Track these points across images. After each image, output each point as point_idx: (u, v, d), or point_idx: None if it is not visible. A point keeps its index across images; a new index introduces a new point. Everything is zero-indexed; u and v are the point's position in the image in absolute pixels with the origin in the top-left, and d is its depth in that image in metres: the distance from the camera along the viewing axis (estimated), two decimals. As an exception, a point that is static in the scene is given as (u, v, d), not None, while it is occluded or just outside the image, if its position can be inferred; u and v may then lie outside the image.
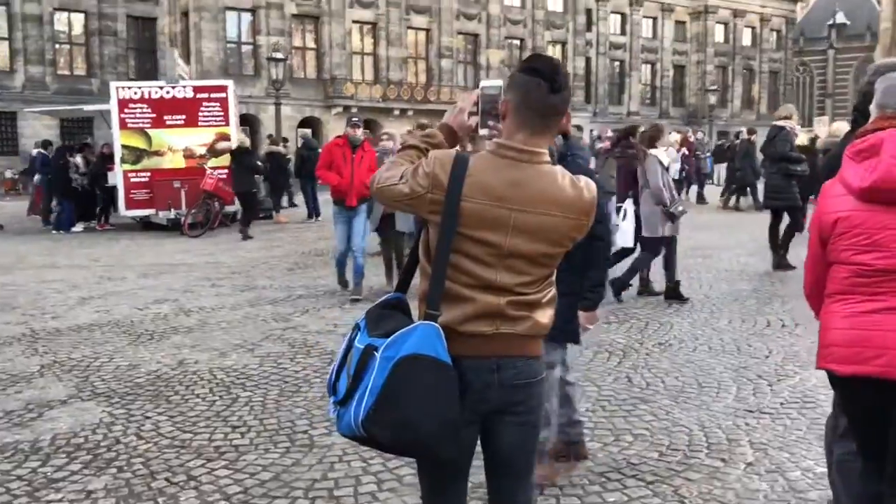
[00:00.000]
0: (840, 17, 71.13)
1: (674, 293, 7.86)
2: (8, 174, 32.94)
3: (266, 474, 3.84)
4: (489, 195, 2.08)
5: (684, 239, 12.70)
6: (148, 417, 4.71)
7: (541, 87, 2.08)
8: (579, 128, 20.55)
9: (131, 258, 11.77)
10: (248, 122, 34.69)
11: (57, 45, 37.92)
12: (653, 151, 7.74)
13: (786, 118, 9.80)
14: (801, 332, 6.48)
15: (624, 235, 7.90)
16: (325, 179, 8.34)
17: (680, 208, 7.73)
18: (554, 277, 2.23)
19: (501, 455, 2.27)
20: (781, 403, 4.76)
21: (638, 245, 8.07)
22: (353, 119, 8.61)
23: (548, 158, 2.14)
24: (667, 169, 7.93)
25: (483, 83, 2.24)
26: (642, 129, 8.84)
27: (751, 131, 18.48)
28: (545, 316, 2.19)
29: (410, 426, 2.00)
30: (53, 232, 15.37)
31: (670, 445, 4.13)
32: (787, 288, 8.35)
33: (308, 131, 34.00)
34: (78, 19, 38.55)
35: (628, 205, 8.05)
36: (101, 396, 5.10)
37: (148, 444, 4.28)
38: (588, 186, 2.16)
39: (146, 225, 15.73)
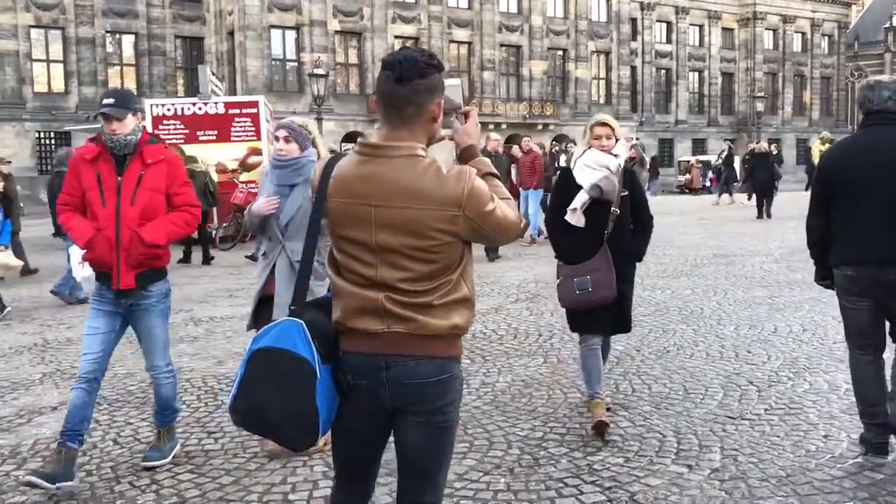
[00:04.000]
0: (897, 20, 69.24)
1: None
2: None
3: (227, 478, 3.88)
4: (348, 193, 2.13)
5: (709, 247, 12.56)
6: (130, 423, 4.80)
7: (388, 78, 2.11)
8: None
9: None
10: (292, 138, 35.19)
11: (109, 67, 39.14)
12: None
13: None
14: (807, 339, 6.31)
15: None
16: None
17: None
18: (458, 277, 2.18)
19: (405, 453, 2.27)
20: (766, 409, 4.63)
21: None
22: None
23: (415, 151, 2.12)
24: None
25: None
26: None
27: (769, 143, 19.05)
28: (442, 318, 2.14)
29: (258, 413, 2.14)
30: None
31: (638, 451, 4.05)
32: (805, 294, 8.13)
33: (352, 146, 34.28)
34: (128, 41, 39.74)
35: None
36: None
37: (123, 448, 4.36)
38: (460, 177, 2.10)
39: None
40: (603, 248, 4.25)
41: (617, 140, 4.40)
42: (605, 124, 4.41)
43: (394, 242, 2.10)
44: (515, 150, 17.28)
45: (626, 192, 4.35)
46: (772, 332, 6.59)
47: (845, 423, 4.36)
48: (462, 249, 2.18)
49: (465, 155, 2.29)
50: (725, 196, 24.18)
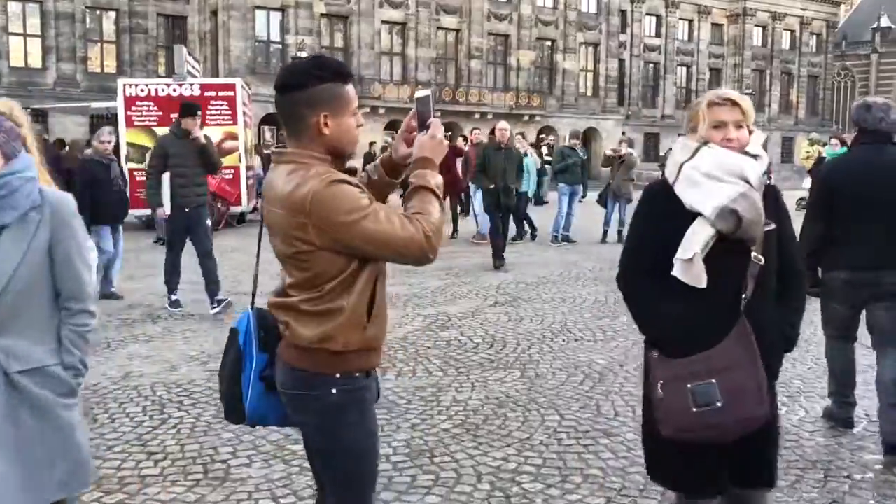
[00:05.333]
0: (885, 21, 69.33)
1: None
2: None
3: (162, 512, 3.47)
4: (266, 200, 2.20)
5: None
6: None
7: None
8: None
9: (127, 259, 11.50)
10: (275, 122, 34.58)
11: (89, 43, 38.26)
12: None
13: None
14: (799, 357, 5.96)
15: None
16: None
17: None
18: (338, 287, 2.08)
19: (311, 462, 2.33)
20: (759, 442, 4.26)
21: None
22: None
23: (298, 158, 2.09)
24: None
25: (416, 94, 2.27)
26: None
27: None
28: (309, 328, 2.09)
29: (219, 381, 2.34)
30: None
31: (621, 490, 3.67)
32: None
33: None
34: (110, 17, 38.86)
35: None
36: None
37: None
38: (305, 181, 2.02)
39: (149, 225, 15.51)
40: (740, 324, 2.39)
41: (751, 132, 2.49)
42: (733, 103, 2.45)
43: (276, 247, 2.16)
44: (460, 141, 16.87)
45: (773, 226, 2.48)
46: (762, 348, 6.23)
47: (846, 460, 4.00)
48: (345, 263, 2.06)
49: (413, 167, 2.18)
50: None
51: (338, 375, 2.10)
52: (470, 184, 13.63)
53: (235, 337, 2.23)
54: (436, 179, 2.13)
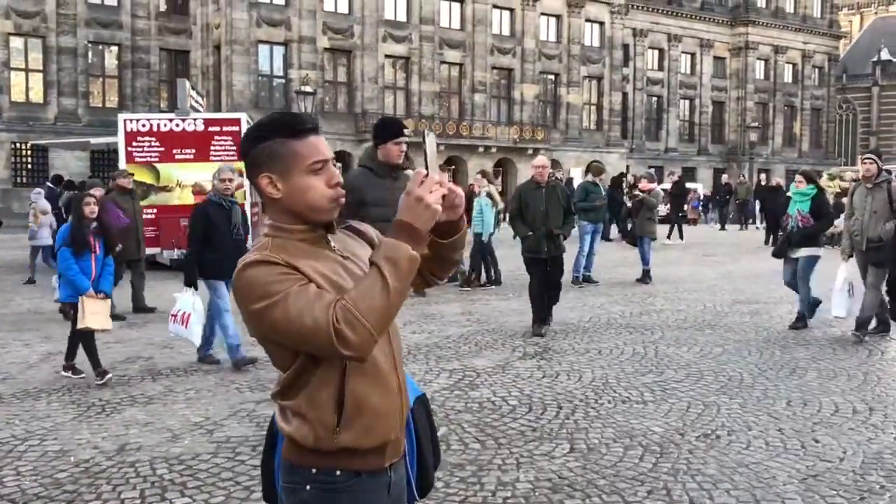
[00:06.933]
0: (885, 54, 69.48)
1: None
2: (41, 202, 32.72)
3: None
4: None
5: (725, 290, 11.62)
6: (47, 537, 3.71)
7: None
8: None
9: (124, 303, 10.87)
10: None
11: (90, 78, 37.98)
12: None
13: None
14: (879, 422, 5.31)
15: None
16: None
17: None
18: (288, 384, 1.84)
19: None
20: (869, 540, 3.62)
21: None
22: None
23: (263, 231, 1.88)
24: None
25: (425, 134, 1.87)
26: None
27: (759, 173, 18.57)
28: (281, 417, 1.89)
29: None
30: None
31: None
32: (853, 359, 7.17)
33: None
34: (112, 52, 38.63)
35: None
36: (3, 500, 4.11)
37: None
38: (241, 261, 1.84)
39: (151, 265, 14.89)
40: None
41: None
42: None
43: None
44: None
45: None
46: (833, 412, 5.58)
47: None
48: (291, 357, 1.80)
49: (389, 232, 1.75)
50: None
51: (314, 471, 1.85)
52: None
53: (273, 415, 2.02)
54: (399, 254, 1.69)
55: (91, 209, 6.73)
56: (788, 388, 6.21)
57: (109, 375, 6.50)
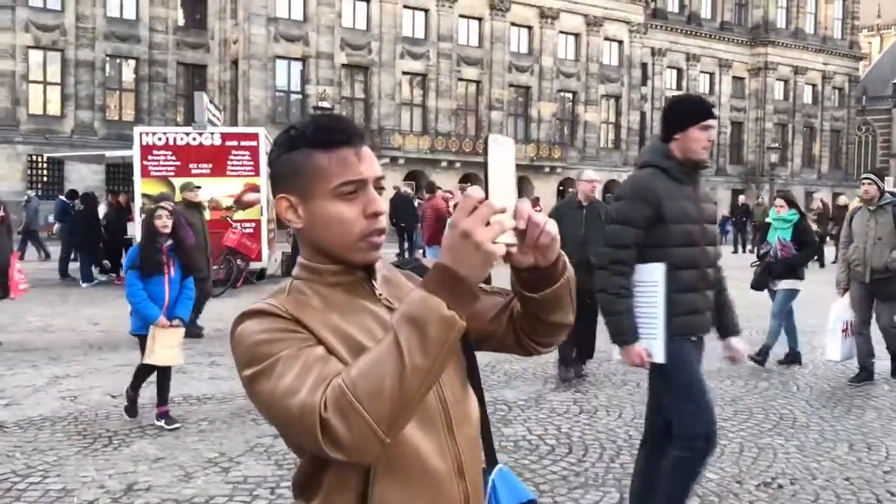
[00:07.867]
0: (905, 76, 68.92)
1: None
2: (50, 219, 32.64)
3: None
4: None
5: (761, 318, 11.08)
6: None
7: None
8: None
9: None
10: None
11: (108, 91, 37.98)
12: None
13: None
14: None
15: None
16: None
17: None
18: (301, 482, 1.38)
19: None
20: None
21: None
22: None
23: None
24: None
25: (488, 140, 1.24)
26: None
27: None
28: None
29: None
30: (83, 285, 14.68)
31: None
32: (910, 395, 6.71)
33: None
34: (129, 66, 38.63)
35: None
36: (-3, 551, 3.72)
37: None
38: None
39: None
40: None
41: None
42: None
43: None
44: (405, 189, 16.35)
45: None
46: (901, 458, 5.13)
47: None
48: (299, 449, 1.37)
49: (423, 281, 1.22)
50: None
51: None
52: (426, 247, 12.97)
53: None
54: (429, 315, 1.15)
55: (163, 223, 5.81)
56: (847, 430, 5.74)
57: (177, 425, 5.71)
